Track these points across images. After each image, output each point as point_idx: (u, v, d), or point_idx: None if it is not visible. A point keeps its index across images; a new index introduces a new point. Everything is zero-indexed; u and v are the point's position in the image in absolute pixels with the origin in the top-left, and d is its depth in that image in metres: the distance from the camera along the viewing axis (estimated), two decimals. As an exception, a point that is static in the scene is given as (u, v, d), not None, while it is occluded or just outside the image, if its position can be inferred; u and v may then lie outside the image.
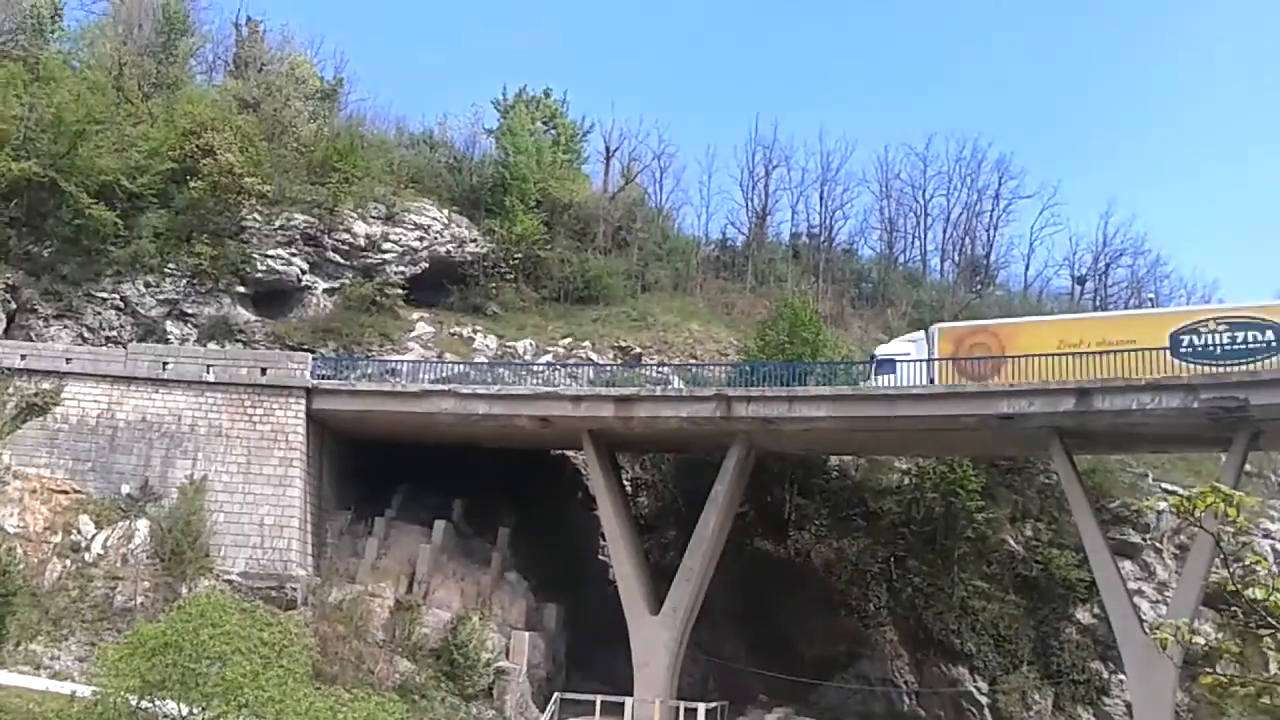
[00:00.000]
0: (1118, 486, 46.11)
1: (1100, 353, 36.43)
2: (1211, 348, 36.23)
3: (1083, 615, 44.24)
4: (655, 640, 38.40)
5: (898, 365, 39.53)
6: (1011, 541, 45.95)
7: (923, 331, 42.33)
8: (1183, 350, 36.42)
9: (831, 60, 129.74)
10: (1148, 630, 33.23)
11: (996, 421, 36.52)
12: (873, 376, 39.89)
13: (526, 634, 39.84)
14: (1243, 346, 36.08)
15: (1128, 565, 43.01)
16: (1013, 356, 37.92)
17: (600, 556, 45.99)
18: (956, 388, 37.41)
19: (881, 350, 42.44)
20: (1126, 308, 65.58)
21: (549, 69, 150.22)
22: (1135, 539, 45.27)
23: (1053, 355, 37.03)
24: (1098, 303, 69.96)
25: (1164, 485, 45.83)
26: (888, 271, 68.53)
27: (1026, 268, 73.05)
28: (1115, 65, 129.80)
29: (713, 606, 41.53)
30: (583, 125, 68.70)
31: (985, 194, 71.48)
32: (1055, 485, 43.54)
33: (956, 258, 72.61)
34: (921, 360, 39.78)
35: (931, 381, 38.85)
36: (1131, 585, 40.80)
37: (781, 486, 47.06)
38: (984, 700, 43.05)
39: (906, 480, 47.36)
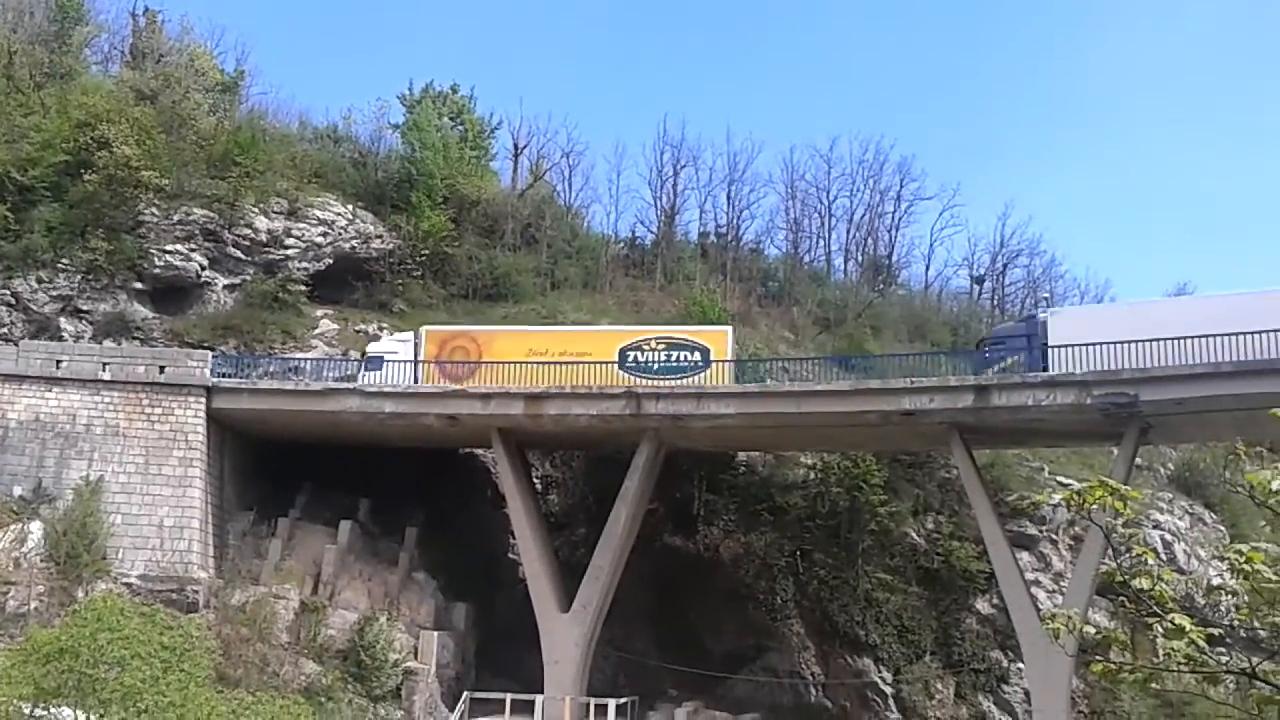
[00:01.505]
0: (1015, 480, 47.34)
1: (561, 362, 40.51)
2: (651, 363, 41.21)
3: (982, 606, 45.33)
4: (565, 638, 38.46)
5: (385, 363, 41.58)
6: (914, 534, 46.92)
7: (413, 332, 44.41)
8: (628, 364, 41.19)
9: (738, 61, 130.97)
10: (1041, 620, 34.23)
11: (899, 417, 37.27)
12: (362, 373, 41.66)
13: (435, 634, 39.56)
14: (675, 364, 41.24)
15: (1025, 556, 44.18)
16: (487, 362, 41.39)
17: (510, 555, 45.83)
18: (861, 384, 38.21)
19: (373, 348, 43.99)
20: (1023, 307, 67.32)
21: (456, 64, 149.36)
22: (1032, 531, 46.50)
23: (521, 363, 40.71)
24: (995, 302, 71.74)
25: (1059, 479, 47.19)
26: (793, 271, 69.39)
27: (927, 267, 74.65)
28: (1013, 68, 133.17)
29: (623, 603, 41.71)
30: (491, 121, 68.16)
31: (887, 195, 72.76)
32: (955, 479, 44.57)
33: (860, 257, 73.82)
34: (408, 361, 41.98)
35: (416, 381, 41.21)
36: (1029, 576, 41.98)
37: (691, 483, 47.39)
38: (888, 690, 43.89)
39: (812, 475, 48.03)
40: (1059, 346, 36.15)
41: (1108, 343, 34.98)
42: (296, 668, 36.14)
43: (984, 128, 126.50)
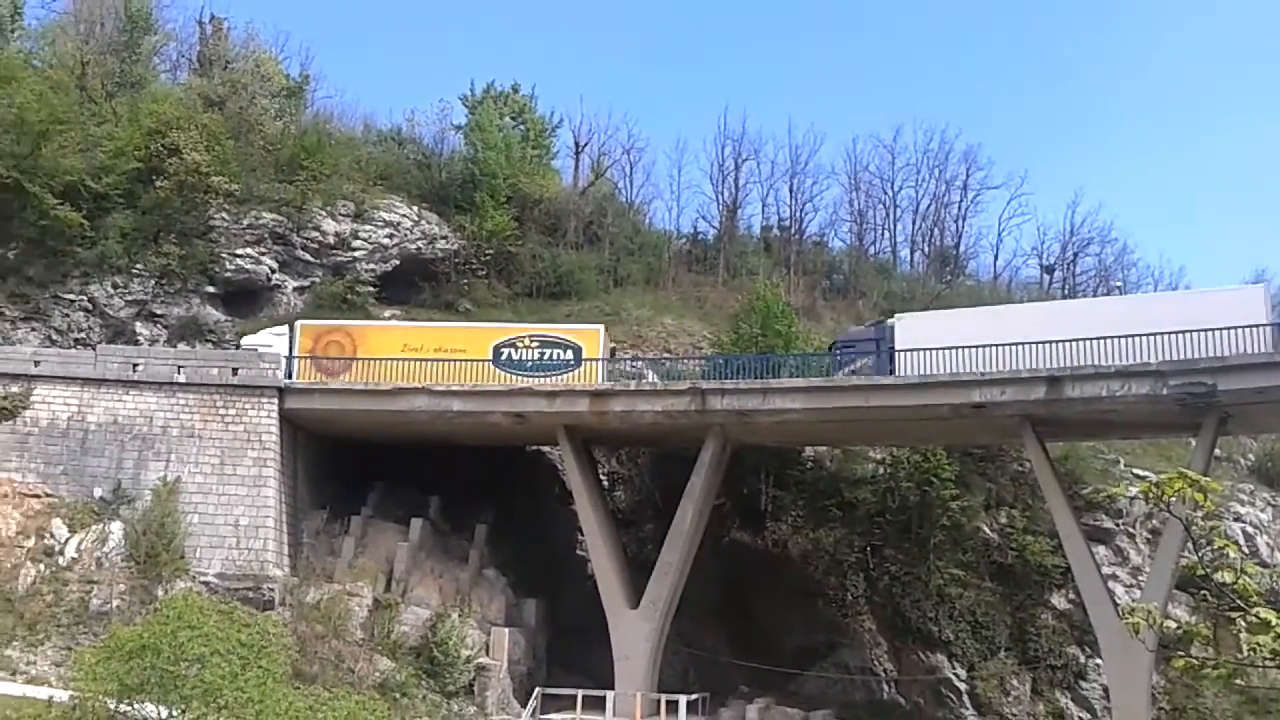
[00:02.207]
0: (1090, 473, 46.49)
1: (434, 360, 40.81)
2: (525, 361, 41.68)
3: (1058, 601, 44.62)
4: (635, 634, 38.52)
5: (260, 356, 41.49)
6: (986, 529, 46.28)
7: (287, 326, 44.21)
8: (502, 362, 41.49)
9: (799, 52, 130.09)
10: (1120, 615, 33.58)
11: (969, 410, 36.77)
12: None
13: (506, 630, 39.85)
14: (548, 362, 41.76)
15: (1101, 550, 43.39)
16: (360, 358, 41.59)
17: (579, 551, 45.99)
18: (930, 377, 37.72)
19: (246, 341, 43.78)
20: (1095, 296, 66.05)
21: (517, 63, 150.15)
22: (1108, 524, 45.67)
23: (393, 359, 40.96)
24: (1066, 291, 70.48)
25: (1135, 471, 46.26)
26: (858, 263, 68.81)
27: (995, 257, 73.76)
28: (1081, 54, 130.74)
29: (692, 599, 41.67)
30: (552, 120, 68.47)
31: (953, 185, 71.90)
32: (1028, 473, 43.88)
33: (926, 248, 73.04)
34: (282, 355, 41.79)
35: (290, 376, 41.02)
36: (1106, 570, 41.19)
37: (757, 478, 47.16)
38: (962, 687, 43.39)
39: (881, 470, 47.55)
40: (905, 350, 37.72)
41: (953, 347, 36.56)
42: (371, 664, 36.60)
43: (1052, 114, 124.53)
